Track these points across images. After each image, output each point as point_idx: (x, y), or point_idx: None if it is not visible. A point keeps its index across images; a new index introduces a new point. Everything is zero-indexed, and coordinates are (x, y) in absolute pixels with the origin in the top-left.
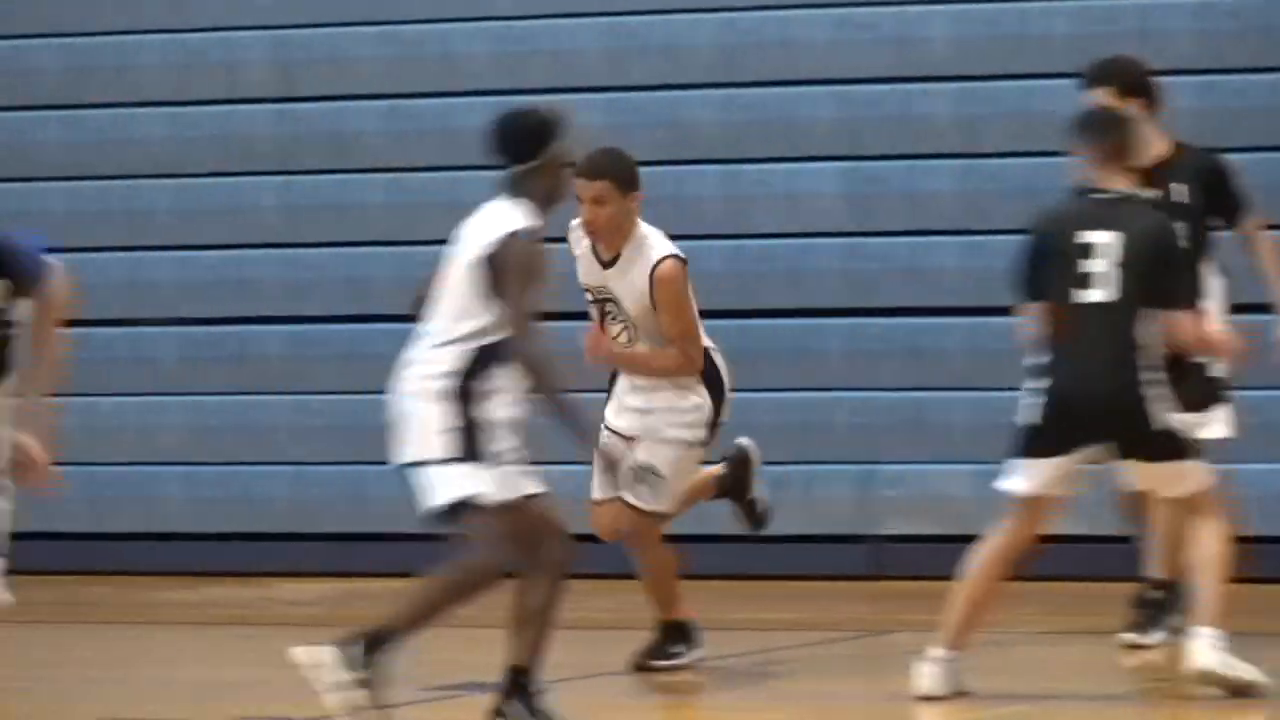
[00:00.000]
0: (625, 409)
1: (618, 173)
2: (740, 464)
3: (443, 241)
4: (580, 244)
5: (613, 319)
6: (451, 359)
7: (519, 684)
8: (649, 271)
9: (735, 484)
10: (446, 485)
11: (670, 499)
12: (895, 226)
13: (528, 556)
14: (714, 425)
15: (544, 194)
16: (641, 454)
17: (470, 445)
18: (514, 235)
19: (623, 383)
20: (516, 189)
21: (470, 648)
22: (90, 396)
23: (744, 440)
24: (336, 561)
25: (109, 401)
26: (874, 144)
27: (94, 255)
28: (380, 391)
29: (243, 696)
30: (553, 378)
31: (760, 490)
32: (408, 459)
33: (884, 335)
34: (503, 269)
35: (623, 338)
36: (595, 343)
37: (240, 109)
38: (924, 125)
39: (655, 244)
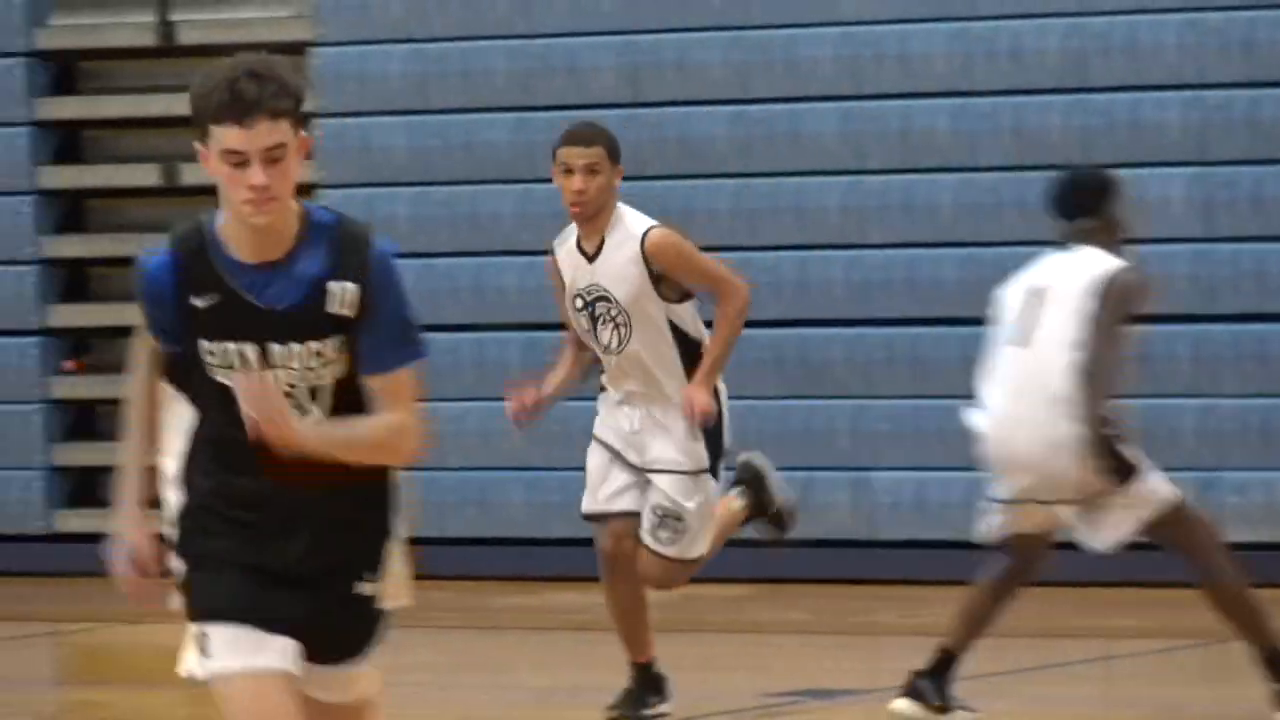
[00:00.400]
0: (611, 427)
1: (608, 142)
2: (756, 479)
3: (783, 247)
4: (563, 248)
5: (604, 321)
6: (1073, 389)
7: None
8: (638, 247)
9: (759, 501)
10: (1149, 493)
11: (701, 542)
12: (1241, 232)
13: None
14: (719, 449)
15: (1105, 248)
16: (656, 495)
17: (1125, 459)
18: (1123, 270)
19: (611, 394)
20: (1084, 243)
21: (808, 654)
22: (433, 402)
23: (751, 455)
24: None
25: (451, 406)
26: (1222, 149)
27: (439, 260)
28: (732, 397)
29: (581, 701)
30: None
31: (782, 494)
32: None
33: (1229, 341)
34: (1106, 296)
35: (614, 341)
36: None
37: (586, 114)
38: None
39: (635, 220)
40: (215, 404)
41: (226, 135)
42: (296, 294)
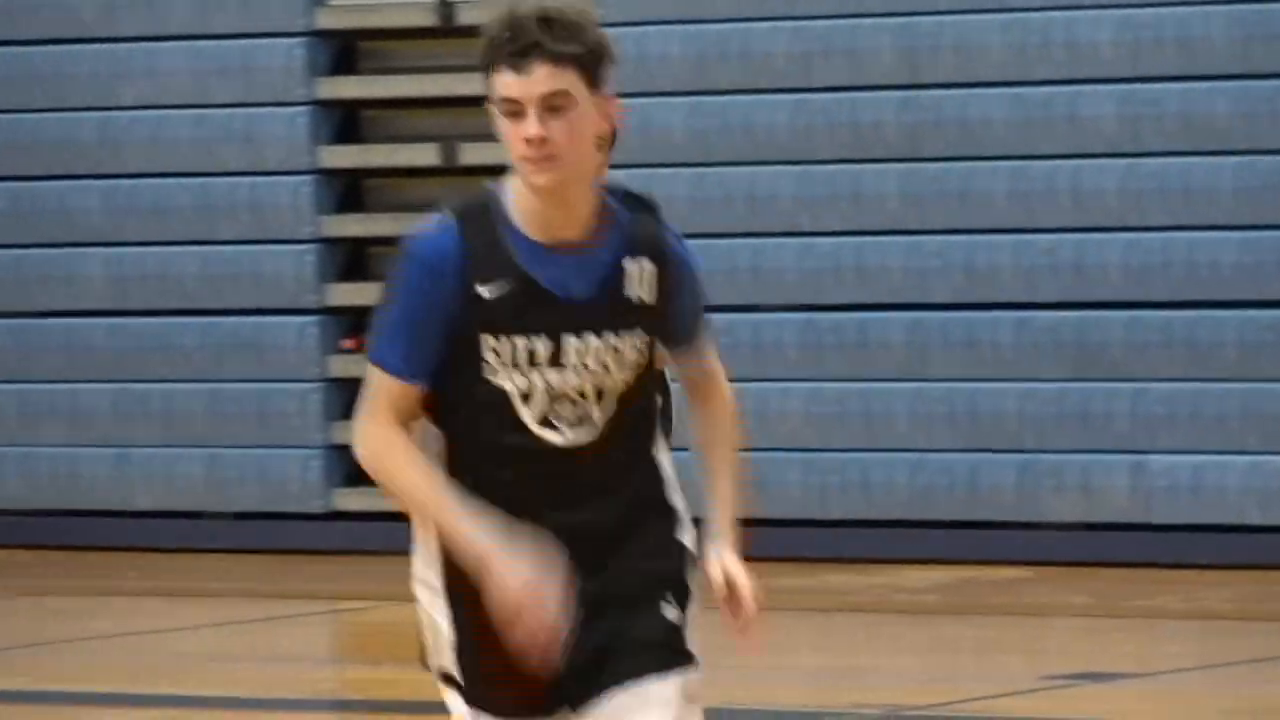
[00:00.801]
0: None
1: None
2: None
3: (1063, 229)
4: None
5: None
6: None
7: None
8: None
9: None
10: None
11: None
12: None
13: None
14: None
15: None
16: None
17: None
18: None
19: None
20: None
21: (1086, 637)
22: None
23: None
24: (955, 549)
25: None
26: None
27: (717, 241)
28: (997, 379)
29: (860, 683)
30: None
31: None
32: None
33: None
34: None
35: None
36: None
37: (864, 96)
38: None
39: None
40: (487, 415)
41: (504, 83)
42: (594, 279)
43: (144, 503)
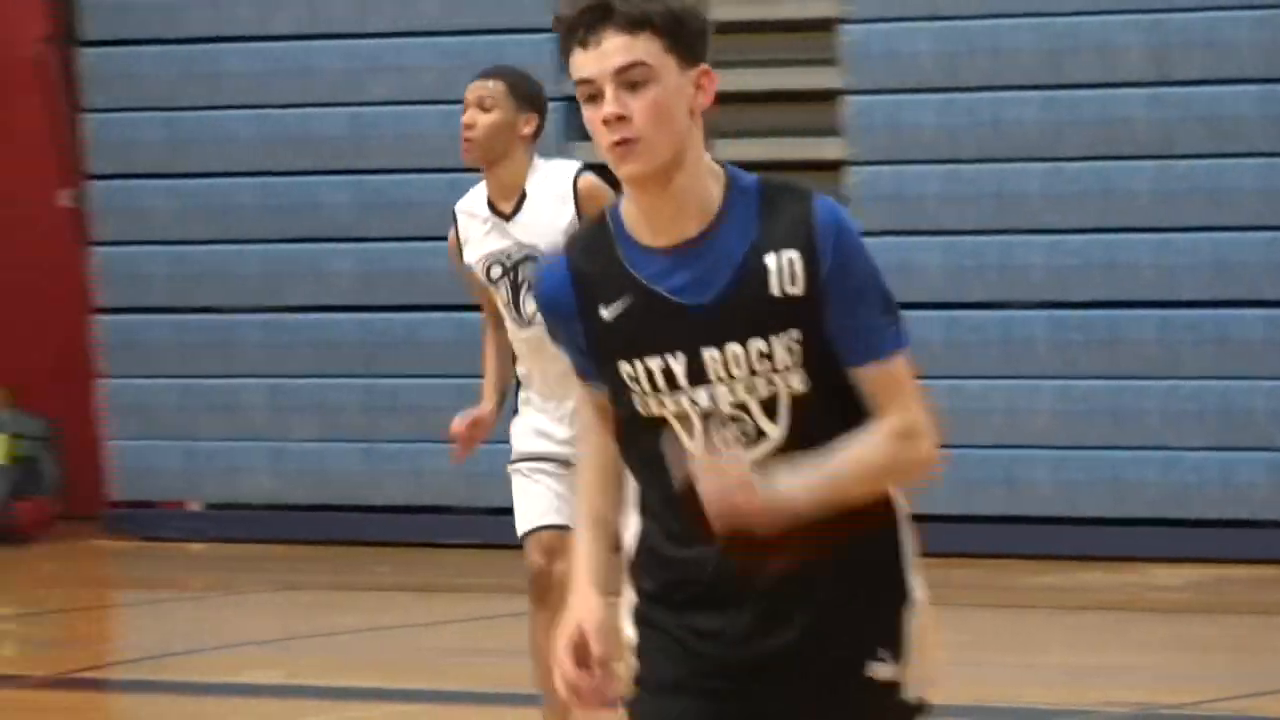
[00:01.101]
0: (539, 432)
1: (516, 81)
2: None
3: None
4: (468, 212)
5: (529, 288)
6: None
7: None
8: (569, 185)
9: None
10: None
11: None
12: None
13: None
14: None
15: None
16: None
17: None
18: None
19: (535, 395)
20: None
21: None
22: (958, 379)
23: None
24: (1207, 547)
25: (977, 384)
26: None
27: (966, 238)
28: (1248, 377)
29: (1111, 682)
30: None
31: None
32: None
33: None
34: None
35: (531, 306)
36: None
37: (1113, 92)
38: None
39: (563, 165)
40: (649, 454)
41: (576, 64)
42: (723, 278)
43: (393, 497)
